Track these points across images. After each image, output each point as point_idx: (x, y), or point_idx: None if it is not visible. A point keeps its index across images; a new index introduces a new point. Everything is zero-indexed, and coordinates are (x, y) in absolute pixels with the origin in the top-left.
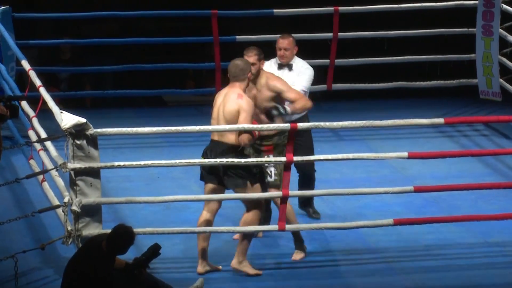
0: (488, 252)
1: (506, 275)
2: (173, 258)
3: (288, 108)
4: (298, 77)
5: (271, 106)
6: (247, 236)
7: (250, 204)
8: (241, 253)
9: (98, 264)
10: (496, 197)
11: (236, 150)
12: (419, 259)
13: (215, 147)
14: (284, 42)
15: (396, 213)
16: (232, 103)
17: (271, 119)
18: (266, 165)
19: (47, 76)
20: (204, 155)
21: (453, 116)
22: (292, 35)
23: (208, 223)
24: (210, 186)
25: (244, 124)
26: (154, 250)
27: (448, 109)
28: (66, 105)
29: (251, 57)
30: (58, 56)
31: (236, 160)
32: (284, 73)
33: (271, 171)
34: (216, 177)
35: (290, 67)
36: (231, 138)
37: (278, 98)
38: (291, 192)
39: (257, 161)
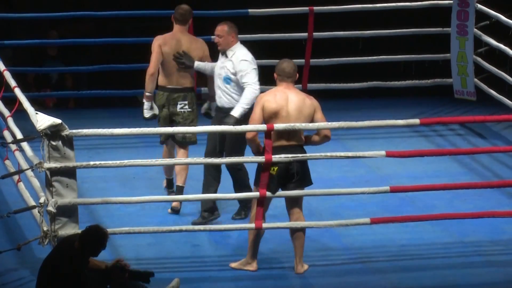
0: (463, 251)
1: (481, 275)
2: (148, 258)
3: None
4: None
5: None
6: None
7: (301, 203)
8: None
9: (71, 264)
10: (471, 196)
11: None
12: (395, 258)
13: (297, 152)
14: (218, 29)
15: (372, 213)
16: (308, 105)
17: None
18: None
19: (36, 74)
20: (277, 164)
21: (429, 115)
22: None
23: (261, 217)
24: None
25: (324, 118)
26: (146, 274)
27: (423, 109)
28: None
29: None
30: (45, 52)
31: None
32: (221, 60)
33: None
34: (289, 183)
35: (226, 54)
36: (302, 139)
37: None
38: (268, 193)
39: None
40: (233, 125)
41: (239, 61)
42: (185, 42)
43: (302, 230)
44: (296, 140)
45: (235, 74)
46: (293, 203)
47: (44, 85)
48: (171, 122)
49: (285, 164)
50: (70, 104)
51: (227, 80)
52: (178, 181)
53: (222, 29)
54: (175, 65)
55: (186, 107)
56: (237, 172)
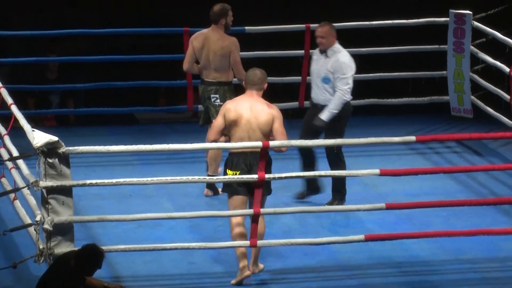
0: (459, 268)
1: None
2: (144, 276)
3: None
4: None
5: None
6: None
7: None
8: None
9: (66, 282)
10: (468, 213)
11: (269, 156)
12: (391, 275)
13: (253, 158)
14: (319, 30)
15: (368, 230)
16: (265, 114)
17: None
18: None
19: (37, 98)
20: (235, 167)
21: (425, 132)
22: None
23: (242, 225)
24: (241, 197)
25: (280, 129)
26: None
27: (420, 126)
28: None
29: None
30: (45, 76)
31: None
32: (321, 58)
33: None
34: (248, 188)
35: (326, 54)
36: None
37: None
38: (262, 210)
39: (225, 179)
40: (322, 127)
41: (339, 63)
42: (213, 39)
43: (262, 232)
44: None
45: (333, 74)
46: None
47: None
48: (207, 114)
49: (247, 170)
50: (71, 120)
51: (325, 79)
52: (209, 171)
53: (324, 30)
54: (208, 59)
55: (218, 100)
56: (339, 163)
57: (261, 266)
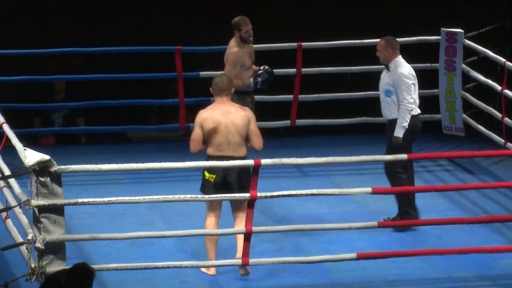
0: (451, 287)
1: None
2: None
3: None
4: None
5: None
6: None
7: (244, 207)
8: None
9: None
10: (460, 232)
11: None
12: None
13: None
14: (377, 45)
15: (360, 248)
16: (241, 117)
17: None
18: None
19: (43, 118)
20: (213, 171)
21: (417, 151)
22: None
23: (216, 225)
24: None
25: (256, 131)
26: None
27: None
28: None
29: (249, 23)
30: (52, 97)
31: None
32: (384, 73)
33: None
34: (225, 190)
35: (388, 67)
36: (244, 151)
37: None
38: (254, 228)
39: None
40: (400, 144)
41: (397, 75)
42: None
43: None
44: (239, 151)
45: (393, 87)
46: (237, 208)
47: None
48: None
49: (223, 174)
50: (83, 139)
51: (387, 93)
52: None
53: (380, 44)
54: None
55: None
56: (396, 177)
57: (248, 269)
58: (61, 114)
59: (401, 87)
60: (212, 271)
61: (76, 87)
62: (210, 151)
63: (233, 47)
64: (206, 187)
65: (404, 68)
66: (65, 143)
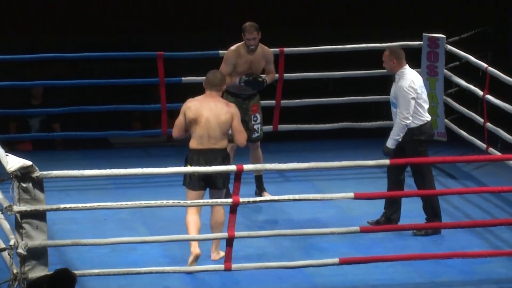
0: None
1: None
2: None
3: (267, 78)
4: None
5: (246, 73)
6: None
7: (221, 207)
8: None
9: None
10: (442, 237)
11: (227, 153)
12: None
13: (212, 154)
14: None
15: (343, 253)
16: (224, 112)
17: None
18: (252, 122)
19: (18, 123)
20: (195, 163)
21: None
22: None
23: (197, 219)
24: (198, 191)
25: (239, 127)
26: None
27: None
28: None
29: (253, 33)
30: (29, 102)
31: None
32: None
33: (258, 128)
34: (205, 182)
35: (394, 77)
36: (224, 144)
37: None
38: (237, 233)
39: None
40: (389, 153)
41: (398, 87)
42: None
43: (221, 221)
44: (219, 144)
45: (396, 99)
46: (214, 197)
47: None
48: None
49: (204, 166)
50: (59, 146)
51: (393, 104)
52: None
53: (384, 54)
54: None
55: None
56: (427, 184)
57: (221, 253)
58: (38, 119)
59: (400, 101)
60: (195, 253)
61: (58, 92)
62: (192, 144)
63: (232, 46)
64: (188, 179)
65: (405, 81)
66: (42, 148)
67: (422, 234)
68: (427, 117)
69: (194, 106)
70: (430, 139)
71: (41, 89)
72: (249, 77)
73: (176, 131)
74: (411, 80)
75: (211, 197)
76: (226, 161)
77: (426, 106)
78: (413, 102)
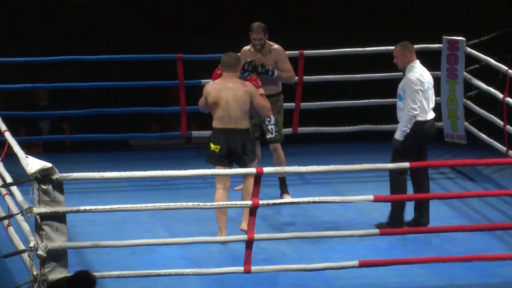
0: None
1: None
2: None
3: (275, 71)
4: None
5: (248, 61)
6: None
7: (250, 177)
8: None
9: None
10: (462, 239)
11: (249, 133)
12: None
13: (233, 134)
14: (394, 51)
15: (362, 256)
16: (242, 92)
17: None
18: (266, 123)
19: (28, 126)
20: (217, 141)
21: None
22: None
23: (225, 198)
24: (223, 167)
25: (261, 101)
26: None
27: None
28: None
29: (260, 33)
30: (36, 103)
31: None
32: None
33: (272, 129)
34: (230, 159)
35: (404, 71)
36: (246, 124)
37: (275, 65)
38: (256, 236)
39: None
40: (398, 145)
41: (405, 80)
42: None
43: (251, 191)
44: (240, 124)
45: (403, 91)
46: (245, 176)
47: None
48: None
49: (227, 144)
50: (66, 146)
51: (399, 96)
52: (279, 174)
53: (395, 50)
54: None
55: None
56: (395, 179)
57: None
58: (48, 121)
59: (407, 92)
60: (223, 236)
61: (76, 95)
62: (214, 123)
63: (246, 46)
64: (211, 157)
65: (414, 74)
66: (53, 151)
67: (384, 226)
68: (430, 116)
69: (214, 91)
70: (426, 139)
71: (47, 90)
72: (247, 65)
73: (201, 108)
74: (420, 73)
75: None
76: (247, 142)
77: (431, 105)
78: (420, 93)
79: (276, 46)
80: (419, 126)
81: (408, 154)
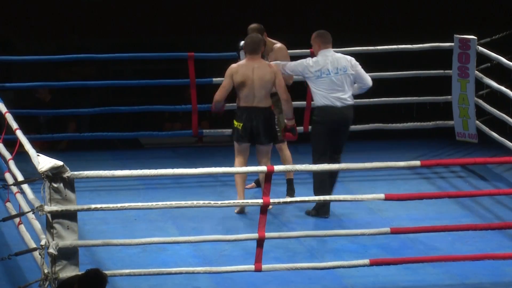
0: None
1: None
2: None
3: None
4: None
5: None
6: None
7: (268, 153)
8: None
9: None
10: (473, 238)
11: (271, 111)
12: None
13: (256, 112)
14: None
15: (373, 254)
16: (268, 72)
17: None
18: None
19: (27, 121)
20: (241, 119)
21: (430, 157)
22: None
23: (244, 165)
24: (245, 144)
25: (282, 82)
26: None
27: (424, 151)
28: (43, 148)
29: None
30: (38, 99)
31: None
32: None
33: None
34: (250, 137)
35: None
36: (268, 102)
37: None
38: (267, 234)
39: None
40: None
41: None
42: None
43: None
44: (263, 103)
45: None
46: (262, 155)
47: (32, 130)
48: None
49: (249, 123)
50: (62, 146)
51: None
52: (288, 175)
53: (311, 38)
54: None
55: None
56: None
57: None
58: (46, 118)
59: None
60: (239, 209)
61: (89, 93)
62: (239, 102)
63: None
64: (234, 134)
65: (313, 59)
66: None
67: (313, 214)
68: (333, 103)
69: (241, 70)
70: (333, 124)
71: (46, 87)
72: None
73: (220, 93)
74: (315, 60)
75: (257, 151)
76: (270, 119)
77: (335, 93)
78: (299, 70)
79: (278, 44)
80: (319, 112)
81: (318, 137)
